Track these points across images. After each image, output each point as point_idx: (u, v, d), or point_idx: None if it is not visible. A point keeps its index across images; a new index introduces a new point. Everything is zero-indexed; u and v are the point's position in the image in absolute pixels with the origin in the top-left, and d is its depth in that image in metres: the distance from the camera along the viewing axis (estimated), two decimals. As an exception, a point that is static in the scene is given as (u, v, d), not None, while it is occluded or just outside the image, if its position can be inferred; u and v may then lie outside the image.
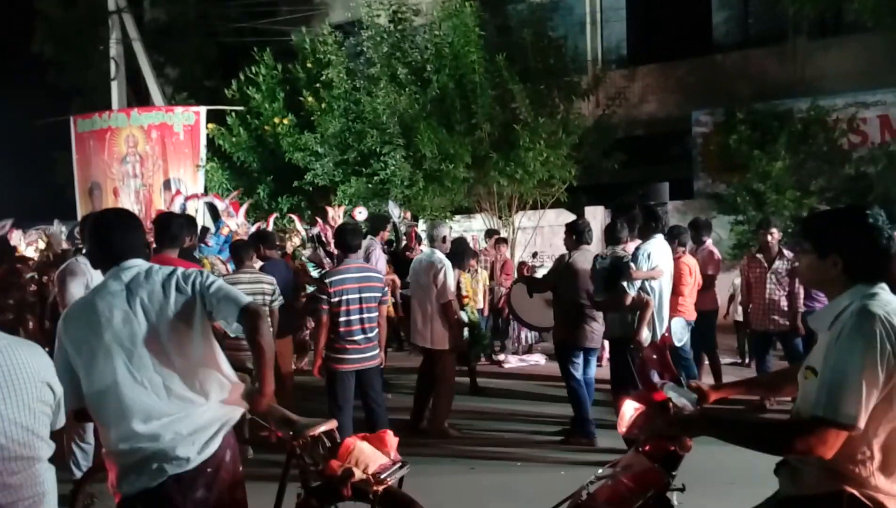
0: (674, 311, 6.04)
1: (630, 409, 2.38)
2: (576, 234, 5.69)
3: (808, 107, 11.33)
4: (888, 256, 2.01)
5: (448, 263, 5.78)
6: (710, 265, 6.85)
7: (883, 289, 2.00)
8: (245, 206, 8.70)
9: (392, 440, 3.00)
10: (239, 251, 5.68)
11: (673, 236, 6.42)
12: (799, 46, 12.95)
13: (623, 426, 2.39)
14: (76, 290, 3.98)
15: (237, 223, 8.32)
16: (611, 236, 5.66)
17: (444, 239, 6.02)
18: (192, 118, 14.08)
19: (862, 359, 1.85)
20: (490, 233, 10.76)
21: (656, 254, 5.27)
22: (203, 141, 13.91)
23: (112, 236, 2.46)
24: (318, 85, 12.56)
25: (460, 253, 6.32)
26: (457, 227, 12.76)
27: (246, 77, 13.33)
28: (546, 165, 10.76)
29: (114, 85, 15.75)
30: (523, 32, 11.21)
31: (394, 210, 10.19)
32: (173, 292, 2.40)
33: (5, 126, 19.59)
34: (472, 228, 13.08)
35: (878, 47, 10.78)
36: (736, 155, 11.42)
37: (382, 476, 2.76)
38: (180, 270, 2.50)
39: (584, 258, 5.60)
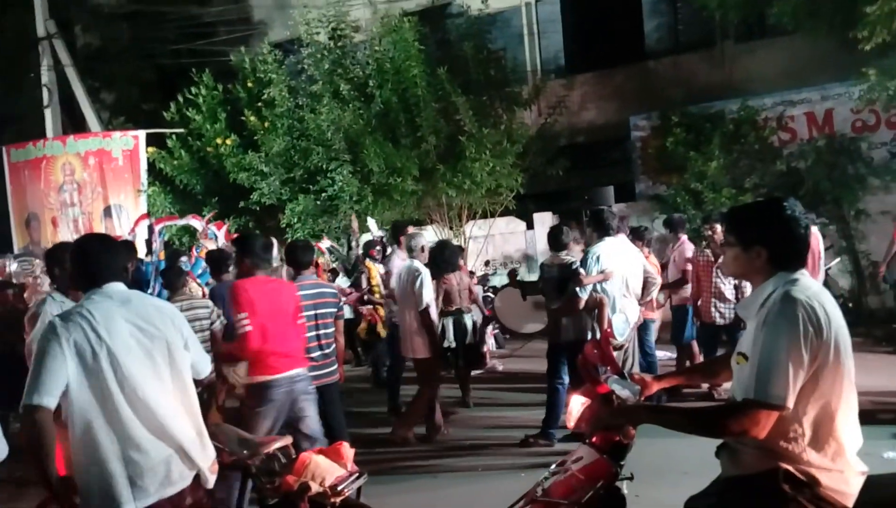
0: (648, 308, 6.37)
1: (577, 404, 2.45)
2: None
3: (739, 107, 11.79)
4: (806, 244, 2.14)
5: (425, 271, 5.82)
6: (684, 261, 7.02)
7: (803, 275, 2.12)
8: (227, 225, 8.29)
9: (348, 451, 3.03)
10: (170, 278, 5.48)
11: (637, 237, 6.69)
12: (727, 50, 13.50)
13: (571, 421, 2.47)
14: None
15: (218, 245, 7.86)
16: (555, 243, 5.69)
17: (422, 249, 6.03)
18: (130, 143, 13.78)
19: (787, 342, 1.96)
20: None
21: (605, 257, 5.32)
22: (143, 165, 13.62)
23: (97, 260, 2.52)
24: (260, 104, 12.46)
25: (440, 259, 6.22)
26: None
27: (185, 99, 13.13)
28: (493, 175, 10.92)
29: (47, 112, 15.30)
30: (463, 45, 11.38)
31: (373, 227, 10.12)
32: (168, 324, 2.53)
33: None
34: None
35: (801, 48, 11.30)
36: (673, 157, 11.79)
37: (339, 488, 2.79)
38: (168, 305, 2.67)
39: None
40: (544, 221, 13.15)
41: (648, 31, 14.59)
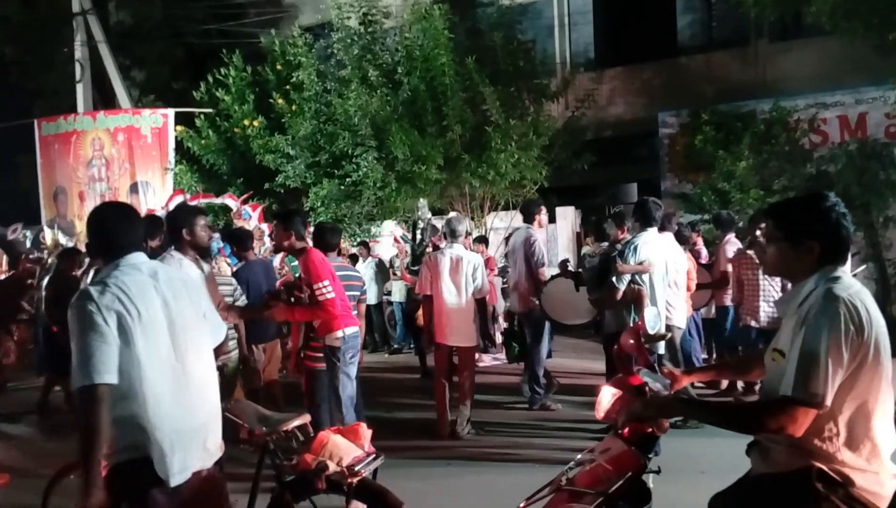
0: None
1: (607, 394, 2.44)
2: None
3: (771, 108, 11.61)
4: (851, 240, 2.13)
5: (480, 258, 5.84)
6: (726, 261, 6.90)
7: (845, 272, 2.10)
8: (261, 207, 8.23)
9: (366, 432, 3.05)
10: None
11: (679, 239, 6.51)
12: (761, 49, 13.29)
13: (601, 412, 2.45)
14: None
15: (252, 226, 7.81)
16: (599, 233, 5.73)
17: (467, 234, 6.02)
18: (159, 121, 13.91)
19: (828, 340, 1.93)
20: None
21: (644, 248, 5.18)
22: (171, 144, 13.75)
23: (118, 229, 2.50)
24: (288, 87, 12.51)
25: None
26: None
27: (215, 79, 13.21)
28: (517, 167, 10.87)
29: (79, 87, 15.48)
30: (493, 35, 11.31)
31: (425, 211, 10.07)
32: (191, 295, 2.57)
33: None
34: (444, 229, 13.16)
35: (836, 50, 11.10)
36: (701, 155, 11.66)
37: (356, 468, 2.81)
38: (189, 277, 2.74)
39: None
40: (566, 215, 13.10)
41: (681, 26, 14.40)
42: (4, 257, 12.08)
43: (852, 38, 9.75)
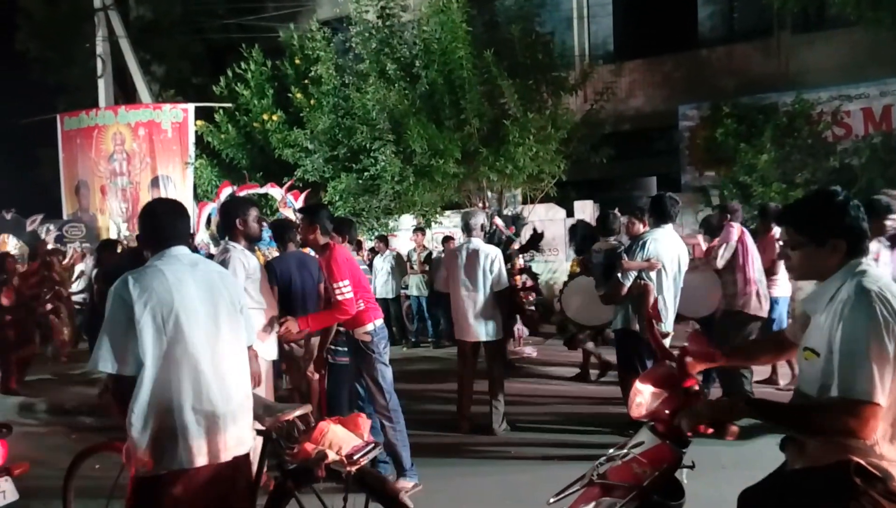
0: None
1: (646, 393, 2.37)
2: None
3: (793, 100, 11.46)
4: (869, 231, 2.12)
5: (497, 251, 5.75)
6: (770, 254, 6.61)
7: (870, 265, 2.08)
8: (304, 195, 8.14)
9: (365, 422, 3.11)
10: None
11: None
12: (783, 41, 13.11)
13: (642, 410, 2.37)
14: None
15: (296, 215, 7.70)
16: (603, 228, 5.63)
17: (482, 227, 5.96)
18: (180, 116, 14.04)
19: (867, 336, 1.91)
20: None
21: (653, 245, 5.03)
22: (192, 138, 13.87)
23: (166, 223, 2.63)
24: (306, 81, 12.55)
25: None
26: (447, 222, 12.83)
27: (234, 74, 13.29)
28: (535, 160, 10.82)
29: (100, 83, 15.66)
30: (511, 28, 11.26)
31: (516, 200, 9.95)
32: (228, 289, 2.67)
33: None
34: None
35: (860, 41, 10.93)
36: (722, 148, 11.55)
37: (355, 457, 2.86)
38: (227, 272, 2.80)
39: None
40: (585, 209, 13.03)
41: (702, 18, 14.24)
42: (27, 250, 12.27)
43: (878, 28, 9.60)
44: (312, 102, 12.20)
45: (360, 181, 11.59)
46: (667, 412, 2.28)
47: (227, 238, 4.31)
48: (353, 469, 2.84)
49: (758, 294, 5.77)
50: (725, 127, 11.48)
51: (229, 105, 13.39)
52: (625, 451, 2.32)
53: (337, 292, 4.18)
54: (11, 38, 17.18)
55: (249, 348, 2.81)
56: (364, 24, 11.89)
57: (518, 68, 11.14)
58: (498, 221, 9.47)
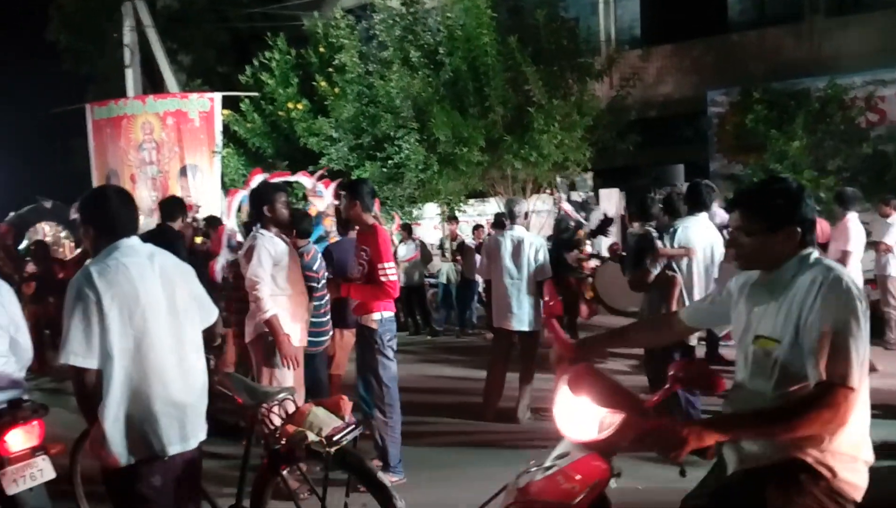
0: None
1: (596, 414, 2.09)
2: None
3: (826, 85, 11.19)
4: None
5: (543, 239, 5.79)
6: (844, 241, 6.60)
7: (818, 252, 2.07)
8: (334, 185, 8.07)
9: (347, 405, 3.19)
10: None
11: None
12: (816, 24, 12.79)
13: (575, 430, 2.11)
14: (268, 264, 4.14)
15: (326, 204, 7.65)
16: (642, 212, 5.46)
17: (525, 215, 5.94)
18: (206, 105, 14.13)
19: (848, 319, 1.89)
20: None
21: (684, 233, 4.87)
22: (218, 127, 13.96)
23: (118, 213, 2.60)
24: (331, 69, 12.56)
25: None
26: (471, 211, 12.81)
27: (259, 63, 13.36)
28: (560, 148, 10.74)
29: (128, 72, 15.83)
30: (536, 13, 11.14)
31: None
32: (184, 279, 2.68)
33: (22, 114, 19.76)
34: (486, 211, 13.11)
35: (896, 24, 10.63)
36: (752, 135, 11.32)
37: (335, 438, 2.95)
38: (180, 262, 2.77)
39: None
40: (611, 197, 12.91)
41: (732, 1, 13.94)
42: (59, 237, 12.49)
43: (915, 11, 9.32)
44: (337, 90, 12.21)
45: (385, 170, 11.60)
46: (624, 443, 2.03)
47: (257, 225, 4.35)
48: (333, 449, 2.92)
49: None
50: (756, 113, 11.25)
51: (255, 94, 13.46)
52: (548, 463, 2.12)
53: (381, 272, 4.19)
54: (43, 30, 17.47)
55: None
56: (388, 11, 11.88)
57: (543, 54, 11.04)
58: (566, 205, 9.41)
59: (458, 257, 10.61)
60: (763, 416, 1.97)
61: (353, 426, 3.08)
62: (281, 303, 4.18)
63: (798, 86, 11.56)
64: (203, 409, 2.67)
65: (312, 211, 7.88)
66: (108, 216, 2.57)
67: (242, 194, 7.20)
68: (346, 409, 3.15)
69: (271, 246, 4.18)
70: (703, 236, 4.92)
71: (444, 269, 10.74)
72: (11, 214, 12.26)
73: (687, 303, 4.82)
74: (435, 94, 10.94)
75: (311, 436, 2.93)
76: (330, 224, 7.35)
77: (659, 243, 4.91)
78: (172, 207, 5.60)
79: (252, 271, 4.05)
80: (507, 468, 4.65)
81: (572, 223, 8.41)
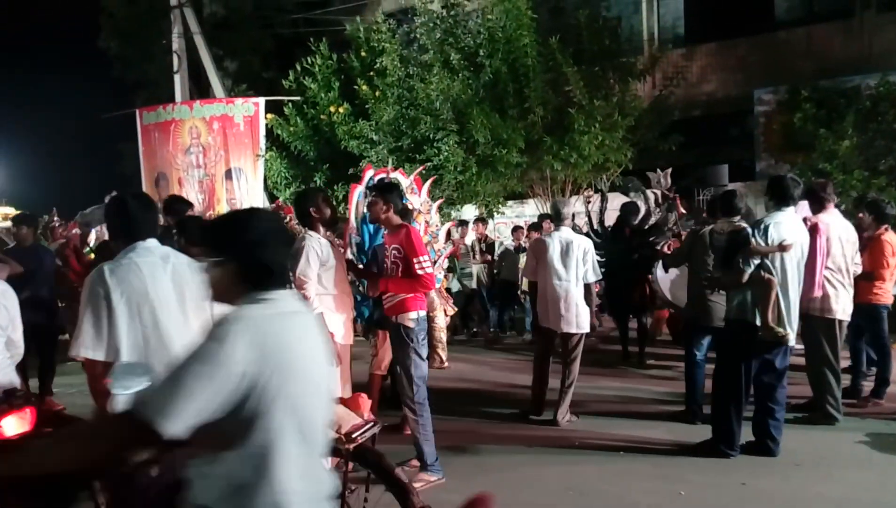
0: (866, 295, 5.72)
1: None
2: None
3: (878, 83, 10.87)
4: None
5: (590, 241, 5.75)
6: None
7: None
8: (428, 183, 8.18)
9: (366, 402, 3.24)
10: None
11: (872, 210, 6.03)
12: (867, 21, 12.42)
13: None
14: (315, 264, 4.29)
15: (420, 202, 7.74)
16: (727, 208, 5.18)
17: (573, 217, 5.97)
18: (251, 109, 14.43)
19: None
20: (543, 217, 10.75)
21: (776, 229, 4.56)
22: (262, 131, 14.24)
23: (136, 217, 2.76)
24: (372, 73, 12.68)
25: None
26: (509, 212, 12.78)
27: (302, 68, 13.57)
28: (601, 149, 10.64)
29: (176, 78, 16.25)
30: (577, 14, 11.07)
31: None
32: (193, 278, 2.77)
33: (74, 119, 20.47)
34: (524, 213, 13.08)
35: (954, 18, 10.25)
36: (800, 134, 11.06)
37: (354, 435, 2.98)
38: (194, 263, 2.87)
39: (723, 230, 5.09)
40: (650, 198, 12.71)
41: (778, -1, 13.63)
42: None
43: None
44: (377, 93, 12.32)
45: (423, 172, 11.64)
46: None
47: (305, 229, 4.48)
48: (352, 446, 2.96)
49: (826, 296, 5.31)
50: (804, 112, 10.99)
51: (297, 98, 13.68)
52: None
53: (417, 266, 4.27)
54: (94, 38, 18.07)
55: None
56: (428, 14, 11.93)
57: (584, 55, 10.97)
58: (592, 208, 9.22)
59: (489, 258, 10.57)
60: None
61: (372, 423, 3.12)
62: (326, 303, 4.30)
63: (848, 84, 11.26)
64: None
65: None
66: (125, 221, 2.76)
67: (359, 190, 7.33)
68: (364, 407, 3.21)
69: (318, 247, 4.29)
70: (795, 232, 4.64)
71: (475, 270, 10.72)
72: (80, 214, 12.61)
73: (783, 308, 4.54)
74: (475, 96, 10.96)
75: (331, 433, 2.97)
76: (421, 221, 7.44)
77: (753, 240, 4.57)
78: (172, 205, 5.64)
79: (301, 271, 4.18)
80: (544, 468, 4.71)
81: (643, 206, 8.24)
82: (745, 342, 4.61)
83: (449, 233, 9.44)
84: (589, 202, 9.57)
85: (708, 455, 4.67)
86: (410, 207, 7.13)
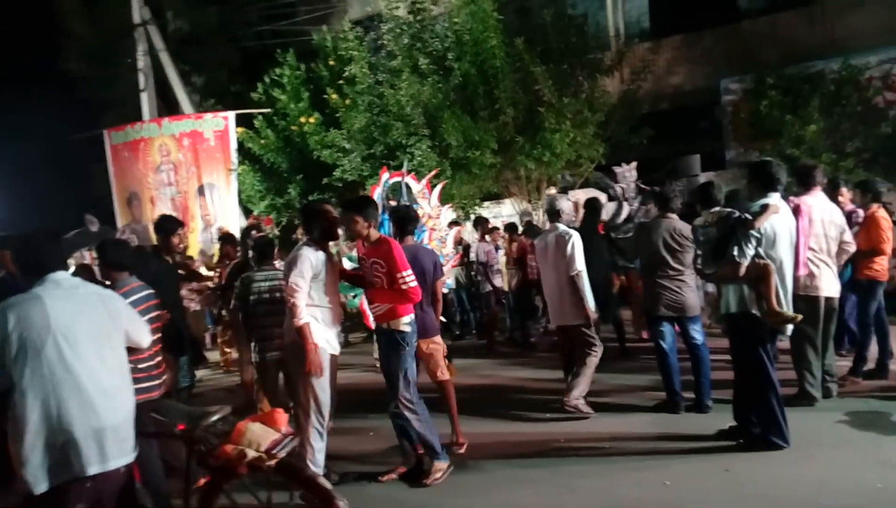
0: (864, 271, 5.92)
1: None
2: (660, 201, 5.48)
3: (840, 67, 11.05)
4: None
5: (576, 234, 5.72)
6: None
7: None
8: (438, 187, 8.10)
9: (283, 417, 3.27)
10: (261, 247, 5.71)
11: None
12: (828, 6, 12.62)
13: None
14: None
15: (431, 207, 7.69)
16: (706, 199, 4.98)
17: (566, 211, 6.00)
18: (221, 124, 14.33)
19: None
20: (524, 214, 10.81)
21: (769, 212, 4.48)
22: (233, 145, 14.15)
23: (42, 252, 2.83)
24: (341, 82, 12.65)
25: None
26: (486, 213, 12.78)
27: (271, 79, 13.49)
28: (573, 146, 10.70)
29: (143, 96, 16.10)
30: (542, 13, 11.13)
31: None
32: (108, 309, 2.84)
33: (44, 142, 20.13)
34: (501, 213, 13.10)
35: (911, 0, 10.45)
36: (767, 121, 11.20)
37: (274, 451, 3.04)
38: (108, 292, 3.00)
39: (661, 224, 5.53)
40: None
41: (740, -11, 13.81)
42: None
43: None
44: (348, 101, 12.29)
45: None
46: None
47: (304, 241, 4.51)
48: (273, 462, 3.02)
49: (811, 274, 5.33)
50: (770, 99, 11.13)
51: (267, 110, 13.60)
52: None
53: (401, 281, 4.29)
54: (56, 59, 17.78)
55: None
56: (395, 20, 11.93)
57: (551, 53, 11.02)
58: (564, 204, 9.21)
59: (465, 261, 10.52)
60: None
61: (291, 436, 3.18)
62: (315, 313, 4.28)
63: (812, 69, 11.42)
64: (130, 431, 2.80)
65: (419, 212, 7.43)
66: (33, 256, 2.83)
67: (378, 193, 7.31)
68: (282, 422, 3.23)
69: (314, 257, 4.27)
70: (784, 218, 4.61)
71: (453, 274, 10.65)
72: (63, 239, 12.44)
73: (782, 294, 4.49)
74: (445, 99, 10.97)
75: (251, 452, 3.02)
76: (429, 227, 7.42)
77: (748, 216, 4.45)
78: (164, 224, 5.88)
79: (293, 280, 4.18)
80: (532, 467, 4.69)
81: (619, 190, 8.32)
82: (756, 333, 4.54)
83: (460, 240, 9.49)
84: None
85: (761, 449, 4.46)
86: (421, 211, 7.14)
